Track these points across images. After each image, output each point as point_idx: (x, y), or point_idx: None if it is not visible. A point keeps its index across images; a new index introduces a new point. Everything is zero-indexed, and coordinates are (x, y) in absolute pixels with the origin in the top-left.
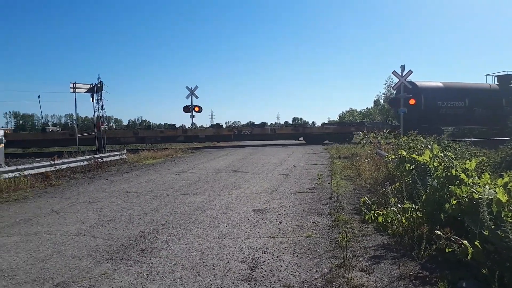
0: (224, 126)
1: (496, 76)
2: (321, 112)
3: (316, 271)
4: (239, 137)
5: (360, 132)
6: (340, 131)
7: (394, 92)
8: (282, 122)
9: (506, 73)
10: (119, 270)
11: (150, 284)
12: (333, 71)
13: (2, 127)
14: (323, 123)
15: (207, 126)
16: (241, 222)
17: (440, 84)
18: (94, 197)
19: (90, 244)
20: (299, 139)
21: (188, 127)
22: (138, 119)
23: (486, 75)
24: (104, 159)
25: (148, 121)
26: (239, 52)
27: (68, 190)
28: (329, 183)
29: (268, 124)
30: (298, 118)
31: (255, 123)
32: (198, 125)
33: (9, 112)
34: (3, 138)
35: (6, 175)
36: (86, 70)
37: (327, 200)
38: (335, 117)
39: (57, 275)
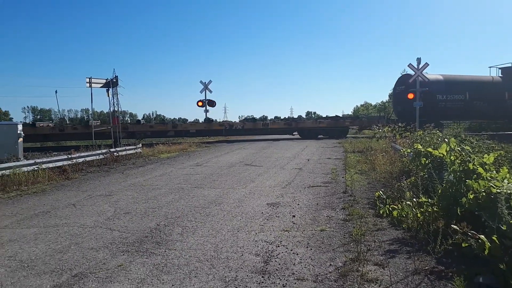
0: (237, 120)
1: (500, 68)
2: (335, 106)
3: (330, 264)
4: (230, 131)
5: (375, 126)
6: (335, 126)
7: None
8: (296, 116)
9: (510, 65)
10: (135, 262)
11: (165, 276)
12: (348, 64)
13: (21, 122)
14: (317, 118)
15: (222, 120)
16: (255, 215)
17: (440, 77)
18: (110, 190)
19: (106, 236)
20: (294, 133)
21: (177, 122)
22: (152, 114)
23: (489, 67)
24: (120, 153)
25: (163, 115)
26: (254, 46)
27: (85, 183)
28: (343, 177)
29: (268, 118)
30: (311, 112)
31: (268, 117)
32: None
33: (27, 107)
34: (22, 132)
35: (25, 168)
36: (101, 65)
37: (341, 194)
38: (349, 111)
39: (75, 266)
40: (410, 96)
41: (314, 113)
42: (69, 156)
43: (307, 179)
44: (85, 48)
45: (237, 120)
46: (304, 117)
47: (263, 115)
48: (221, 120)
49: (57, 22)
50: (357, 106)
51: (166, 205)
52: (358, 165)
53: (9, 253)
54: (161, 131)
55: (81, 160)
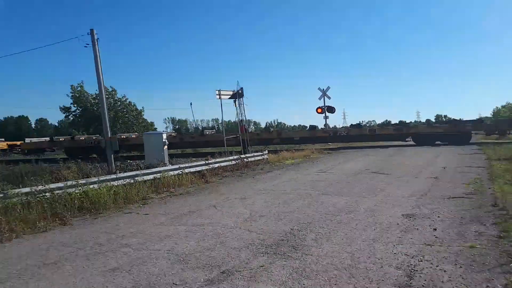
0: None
1: None
2: (469, 108)
3: (487, 286)
4: (334, 138)
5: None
6: (454, 131)
7: None
8: (423, 120)
9: None
10: (275, 264)
11: (306, 280)
12: (484, 60)
13: (164, 131)
14: (431, 122)
15: (341, 126)
16: (390, 226)
17: None
18: (244, 193)
19: (246, 237)
20: (407, 140)
21: (282, 130)
22: (274, 122)
23: None
24: (249, 159)
25: (283, 123)
26: (372, 52)
27: (221, 187)
28: (490, 188)
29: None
30: (441, 115)
31: (391, 122)
32: (331, 125)
33: (168, 118)
34: (167, 140)
35: (171, 172)
36: (225, 79)
37: (490, 207)
38: (488, 113)
39: (222, 263)
40: None
41: (445, 116)
42: (206, 162)
43: (446, 189)
44: (212, 61)
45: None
46: (433, 120)
47: (386, 120)
48: (340, 126)
49: (188, 40)
50: (497, 107)
51: (297, 210)
52: (507, 174)
53: (167, 247)
54: (267, 139)
55: (216, 165)
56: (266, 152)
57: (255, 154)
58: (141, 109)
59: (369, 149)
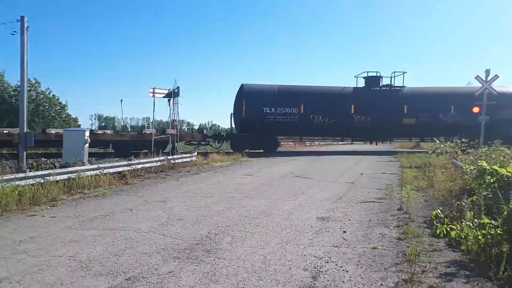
0: None
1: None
2: None
3: (381, 284)
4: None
5: (436, 140)
6: (140, 140)
7: None
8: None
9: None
10: (185, 269)
11: (214, 285)
12: None
13: (88, 128)
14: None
15: None
16: (304, 229)
17: None
18: (165, 196)
19: (159, 242)
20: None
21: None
22: (208, 123)
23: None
24: (176, 161)
25: (218, 125)
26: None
27: (142, 189)
28: (398, 194)
29: None
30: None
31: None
32: None
33: (94, 114)
34: (88, 138)
35: (88, 173)
36: (162, 76)
37: (396, 211)
38: None
39: (129, 269)
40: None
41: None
42: (129, 163)
43: (360, 194)
44: (147, 57)
45: None
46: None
47: None
48: None
49: (120, 36)
50: None
51: (217, 213)
52: (415, 181)
53: (71, 253)
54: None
55: (139, 166)
56: (196, 153)
57: (184, 155)
58: (65, 103)
59: (299, 155)
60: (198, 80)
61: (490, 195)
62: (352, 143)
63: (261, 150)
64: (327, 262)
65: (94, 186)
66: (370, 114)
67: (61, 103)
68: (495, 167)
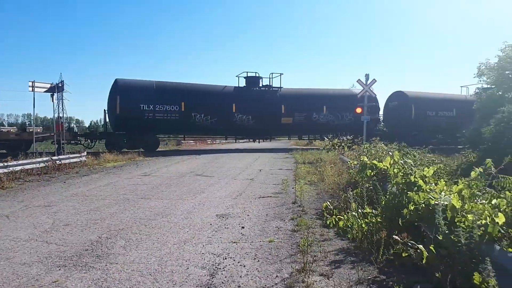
0: None
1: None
2: None
3: (277, 276)
4: None
5: (326, 138)
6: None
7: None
8: None
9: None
10: (72, 278)
11: None
12: None
13: None
14: None
15: None
16: (203, 227)
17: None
18: (49, 200)
19: (42, 250)
20: None
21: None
22: (100, 121)
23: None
24: (63, 161)
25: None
26: None
27: (22, 193)
28: (293, 188)
29: None
30: None
31: None
32: None
33: None
34: None
35: None
36: (47, 68)
37: (291, 205)
38: None
39: (3, 283)
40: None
41: None
42: (5, 164)
43: (258, 189)
44: (28, 50)
45: None
46: None
47: None
48: None
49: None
50: None
51: (110, 216)
52: (308, 176)
53: None
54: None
55: (18, 168)
56: (85, 153)
57: (71, 156)
58: None
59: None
60: (95, 73)
61: (371, 187)
62: (236, 141)
63: (141, 149)
64: (225, 259)
65: None
66: (250, 113)
67: None
68: (375, 161)
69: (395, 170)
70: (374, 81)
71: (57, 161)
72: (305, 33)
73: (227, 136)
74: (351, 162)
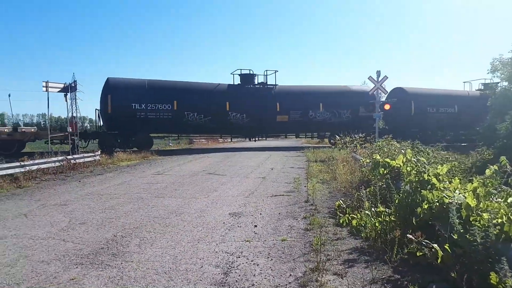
0: None
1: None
2: None
3: (290, 275)
4: None
5: (337, 136)
6: None
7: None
8: None
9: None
10: (88, 275)
11: None
12: None
13: None
14: None
15: None
16: (216, 225)
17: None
18: (65, 199)
19: (59, 248)
20: None
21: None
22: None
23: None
24: (77, 161)
25: None
26: None
27: (38, 192)
28: (305, 187)
29: None
30: None
31: None
32: None
33: None
34: None
35: None
36: (62, 69)
37: (303, 203)
38: None
39: (23, 280)
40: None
41: None
42: (22, 164)
43: (270, 188)
44: (44, 50)
45: None
46: None
47: None
48: None
49: (12, 21)
50: None
51: (124, 215)
52: (320, 174)
53: None
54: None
55: (35, 167)
56: (99, 152)
57: (85, 155)
58: None
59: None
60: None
61: (384, 185)
62: (231, 140)
63: (135, 149)
64: (239, 257)
65: None
66: (245, 112)
67: None
68: (387, 159)
69: (408, 168)
70: (385, 77)
71: (72, 161)
72: (300, 29)
73: (222, 134)
74: (363, 160)
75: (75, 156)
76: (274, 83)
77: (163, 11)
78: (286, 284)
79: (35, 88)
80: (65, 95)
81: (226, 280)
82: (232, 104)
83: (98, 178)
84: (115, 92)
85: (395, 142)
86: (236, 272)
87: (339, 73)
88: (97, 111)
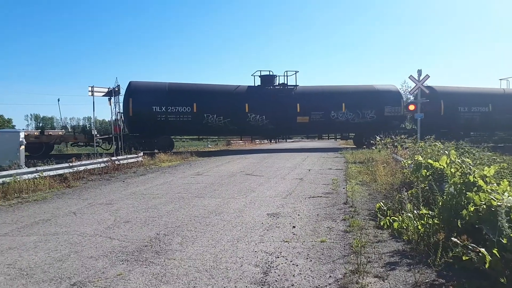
0: None
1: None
2: None
3: (330, 276)
4: None
5: (377, 137)
6: None
7: (411, 97)
8: None
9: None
10: (134, 271)
11: (164, 285)
12: None
13: (23, 129)
14: None
15: None
16: (255, 225)
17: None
18: (110, 198)
19: (106, 245)
20: None
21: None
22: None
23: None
24: (121, 162)
25: None
26: None
27: (86, 192)
28: (344, 188)
29: None
30: None
31: None
32: None
33: (30, 114)
34: (24, 140)
35: (25, 176)
36: (104, 74)
37: (342, 205)
38: None
39: (74, 274)
40: (411, 107)
41: None
42: (70, 164)
43: (308, 189)
44: (88, 56)
45: None
46: None
47: None
48: None
49: (61, 29)
50: None
51: (166, 214)
52: (359, 176)
53: (9, 261)
54: None
55: (82, 168)
56: (141, 154)
57: (129, 156)
58: None
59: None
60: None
61: (427, 187)
62: (252, 141)
63: (156, 151)
64: (278, 257)
65: (33, 190)
66: (264, 113)
67: None
68: (430, 160)
69: (452, 169)
70: (427, 76)
71: (116, 162)
72: (321, 29)
73: (241, 136)
74: (405, 161)
75: (119, 157)
76: (295, 84)
77: (183, 16)
78: (326, 285)
79: (82, 92)
80: (109, 99)
81: (265, 279)
82: (252, 106)
83: (141, 178)
84: (136, 95)
85: (439, 143)
86: (275, 272)
87: (364, 74)
88: (119, 114)
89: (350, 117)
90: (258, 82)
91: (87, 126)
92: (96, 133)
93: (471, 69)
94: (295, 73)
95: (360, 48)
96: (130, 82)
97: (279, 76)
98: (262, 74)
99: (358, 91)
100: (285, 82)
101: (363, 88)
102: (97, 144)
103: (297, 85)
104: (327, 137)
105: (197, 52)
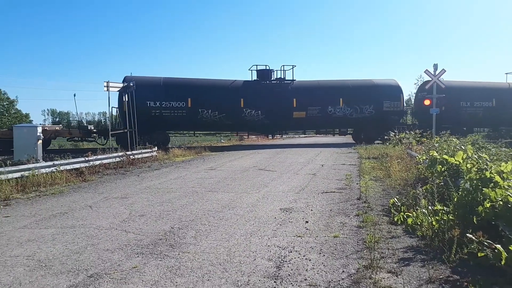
0: None
1: None
2: None
3: (343, 271)
4: None
5: (391, 132)
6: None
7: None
8: None
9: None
10: (149, 264)
11: (179, 278)
12: None
13: (41, 124)
14: None
15: None
16: (268, 220)
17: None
18: (125, 192)
19: (121, 238)
20: None
21: None
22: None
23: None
24: (136, 156)
25: None
26: None
27: (101, 186)
28: (357, 184)
29: None
30: None
31: None
32: None
33: (47, 109)
34: (41, 134)
35: (43, 170)
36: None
37: (355, 200)
38: None
39: (91, 266)
40: (426, 102)
41: None
42: (86, 159)
43: (321, 184)
44: (104, 51)
45: None
46: None
47: None
48: None
49: (77, 25)
50: None
51: (180, 208)
52: (373, 171)
53: (28, 253)
54: None
55: (98, 162)
56: (155, 148)
57: (143, 151)
58: (14, 99)
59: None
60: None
61: (442, 183)
62: (248, 137)
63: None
64: (291, 252)
65: (51, 184)
66: (260, 108)
67: (9, 98)
68: (445, 156)
69: (468, 165)
70: (443, 71)
71: (131, 156)
72: (319, 21)
73: (237, 132)
74: (419, 157)
75: (133, 152)
76: (292, 79)
77: (179, 8)
78: (339, 280)
79: (97, 88)
80: (124, 94)
81: (279, 273)
82: (247, 101)
83: (155, 173)
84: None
85: (455, 139)
86: (288, 266)
87: (365, 69)
88: (113, 109)
89: (348, 112)
90: (255, 77)
91: (102, 120)
92: (92, 127)
93: (476, 63)
94: (292, 68)
95: (361, 44)
96: (125, 77)
97: (276, 70)
98: (258, 68)
99: (356, 85)
100: (282, 77)
101: (362, 83)
102: (93, 139)
103: (294, 80)
104: (324, 133)
105: (195, 48)
